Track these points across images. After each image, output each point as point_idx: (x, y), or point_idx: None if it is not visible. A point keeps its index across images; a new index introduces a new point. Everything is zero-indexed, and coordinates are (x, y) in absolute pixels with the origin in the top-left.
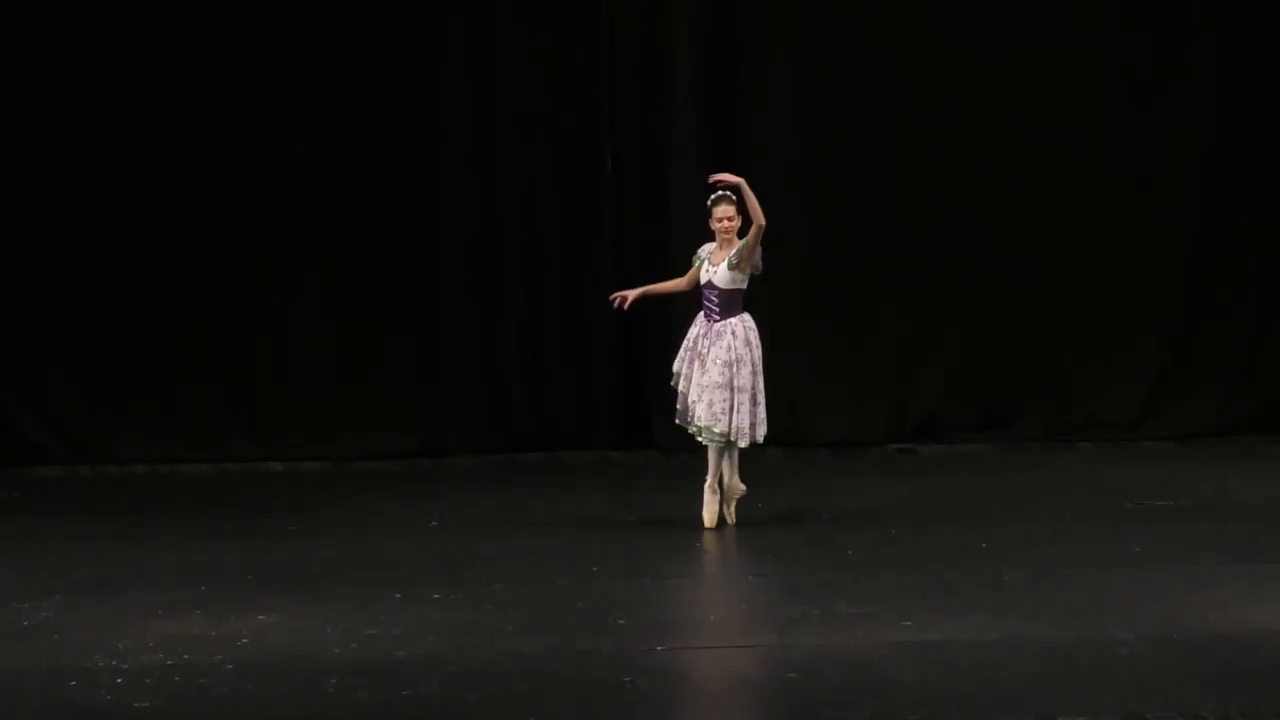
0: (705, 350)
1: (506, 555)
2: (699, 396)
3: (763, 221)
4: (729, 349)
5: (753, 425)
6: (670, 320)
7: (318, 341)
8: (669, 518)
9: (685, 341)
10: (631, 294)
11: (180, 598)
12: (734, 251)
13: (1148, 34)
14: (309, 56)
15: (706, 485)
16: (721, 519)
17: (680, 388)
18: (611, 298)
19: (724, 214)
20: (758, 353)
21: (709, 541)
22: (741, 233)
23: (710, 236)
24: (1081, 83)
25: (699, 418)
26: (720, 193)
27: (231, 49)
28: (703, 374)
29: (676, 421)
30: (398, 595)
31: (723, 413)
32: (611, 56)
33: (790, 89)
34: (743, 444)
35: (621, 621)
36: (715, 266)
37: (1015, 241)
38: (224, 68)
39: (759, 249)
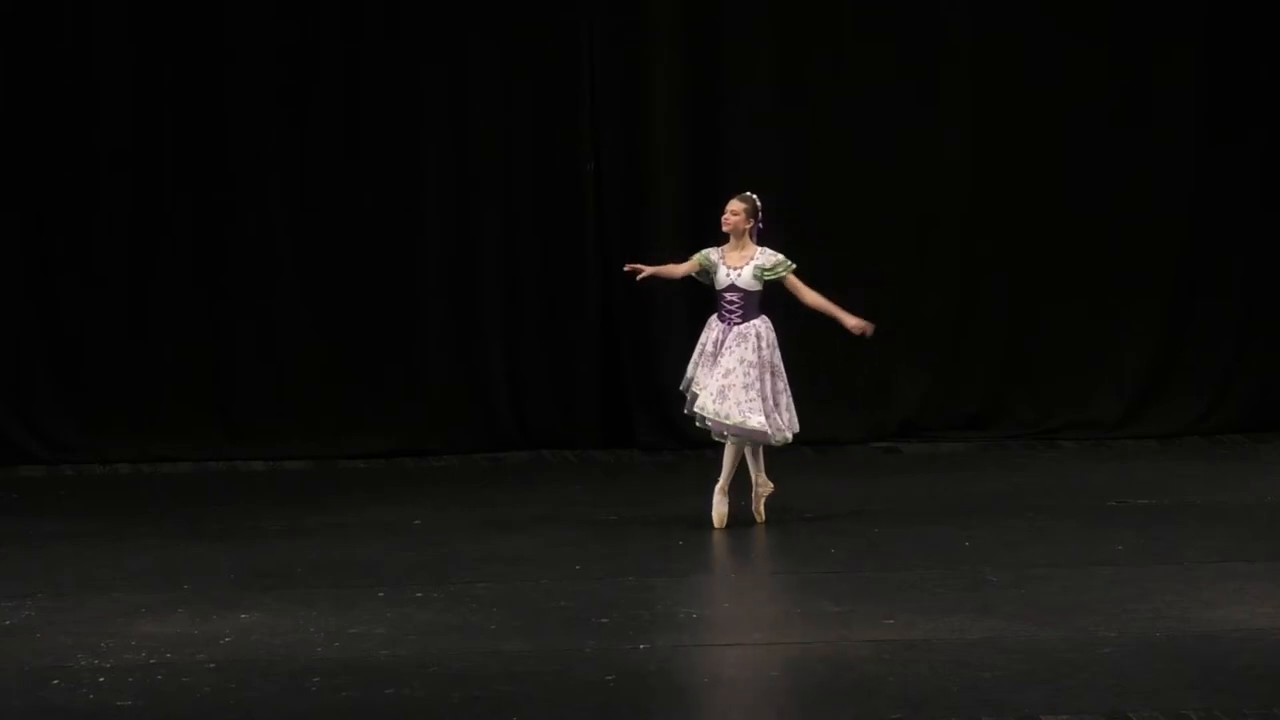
0: (726, 353)
1: (489, 555)
2: (724, 395)
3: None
4: (755, 350)
5: (789, 423)
6: (653, 319)
7: (300, 341)
8: (651, 517)
9: (700, 346)
10: (646, 270)
11: (163, 597)
12: (768, 270)
13: (1134, 34)
14: (287, 62)
15: (718, 487)
16: (732, 517)
17: (691, 390)
18: (627, 268)
19: (730, 209)
20: (779, 354)
21: (690, 541)
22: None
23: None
24: (1066, 84)
25: (728, 415)
26: (743, 192)
27: (211, 63)
28: (726, 375)
29: (689, 414)
30: (381, 595)
31: (754, 412)
32: (592, 59)
33: (771, 92)
34: (780, 442)
35: (604, 621)
36: (737, 269)
37: (999, 241)
38: (203, 83)
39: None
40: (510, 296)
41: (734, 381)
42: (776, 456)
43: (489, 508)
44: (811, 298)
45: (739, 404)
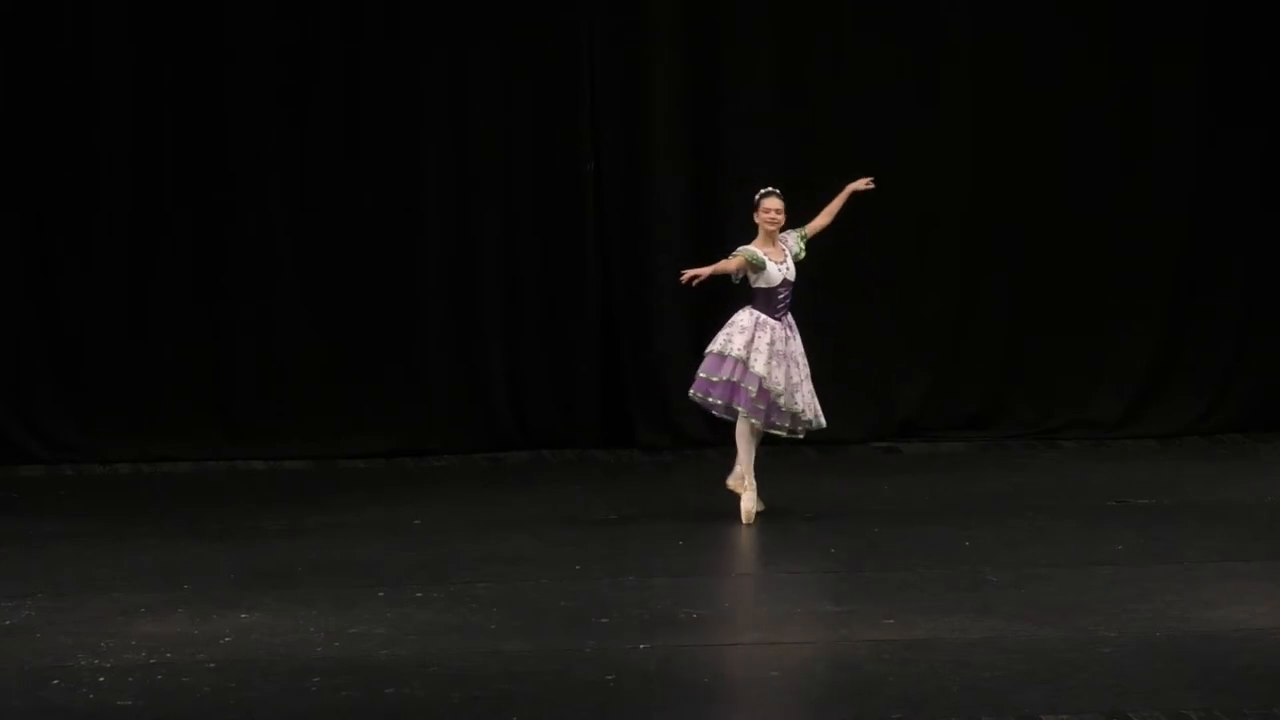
0: (793, 350)
1: (489, 554)
2: (804, 396)
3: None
4: (799, 342)
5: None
6: (653, 319)
7: (300, 341)
8: (651, 516)
9: (770, 349)
10: (704, 272)
11: (163, 597)
12: (802, 251)
13: (1134, 34)
14: (287, 62)
15: (748, 484)
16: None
17: (784, 403)
18: (683, 277)
19: (772, 206)
20: None
21: (690, 541)
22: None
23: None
24: (1066, 84)
25: (815, 414)
26: (768, 188)
27: (211, 63)
28: (798, 372)
29: (781, 428)
30: (380, 594)
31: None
32: (592, 59)
33: (771, 92)
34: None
35: (604, 620)
36: (783, 264)
37: (999, 241)
38: (203, 83)
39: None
40: (510, 296)
41: (804, 375)
42: (777, 456)
43: (489, 508)
44: (824, 219)
45: (813, 399)
